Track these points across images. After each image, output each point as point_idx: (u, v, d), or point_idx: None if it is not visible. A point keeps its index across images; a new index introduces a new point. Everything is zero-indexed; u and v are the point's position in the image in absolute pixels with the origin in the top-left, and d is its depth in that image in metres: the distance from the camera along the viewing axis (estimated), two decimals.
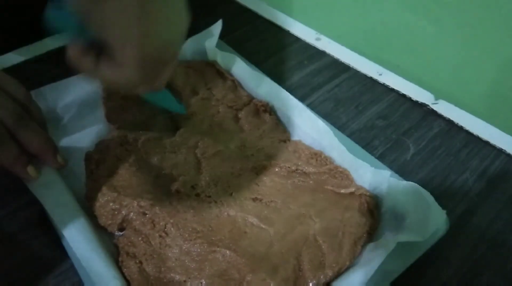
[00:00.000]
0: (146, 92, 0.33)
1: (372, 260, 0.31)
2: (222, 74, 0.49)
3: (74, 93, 0.44)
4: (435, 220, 0.32)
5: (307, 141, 0.42)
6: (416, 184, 0.34)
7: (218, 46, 0.51)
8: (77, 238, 0.33)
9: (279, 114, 0.45)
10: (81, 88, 0.44)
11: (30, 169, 0.36)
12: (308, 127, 0.42)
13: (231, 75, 0.49)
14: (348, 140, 0.44)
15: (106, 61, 0.25)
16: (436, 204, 0.33)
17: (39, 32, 0.57)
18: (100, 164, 0.39)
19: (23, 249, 0.36)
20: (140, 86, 0.28)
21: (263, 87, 0.46)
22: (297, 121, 0.43)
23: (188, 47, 0.51)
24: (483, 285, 0.35)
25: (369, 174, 0.37)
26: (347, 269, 0.33)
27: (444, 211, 0.33)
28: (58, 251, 0.36)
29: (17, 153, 0.35)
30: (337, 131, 0.45)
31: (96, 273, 0.31)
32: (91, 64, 0.26)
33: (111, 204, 0.36)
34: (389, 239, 0.31)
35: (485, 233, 0.38)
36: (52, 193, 0.36)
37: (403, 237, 0.31)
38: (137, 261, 0.33)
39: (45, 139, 0.37)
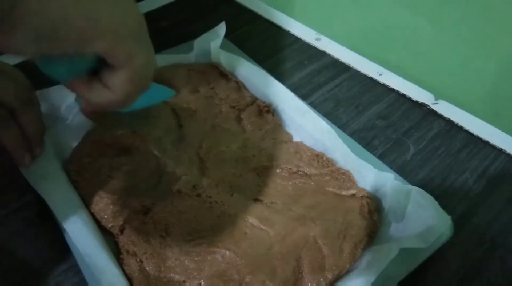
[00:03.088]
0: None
1: (374, 265, 0.31)
2: (225, 75, 0.49)
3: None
4: (440, 225, 0.32)
5: (309, 142, 0.42)
6: (420, 189, 0.34)
7: (222, 45, 0.51)
8: (80, 234, 0.33)
9: (283, 115, 0.45)
10: None
11: (27, 156, 0.37)
12: (311, 128, 0.42)
13: (235, 76, 0.49)
14: (350, 139, 0.44)
15: (97, 86, 0.28)
16: (440, 209, 0.33)
17: None
18: (83, 171, 0.39)
19: (23, 249, 0.36)
20: (123, 105, 0.30)
21: (268, 87, 0.46)
22: (301, 122, 0.43)
23: (193, 50, 0.51)
24: (483, 285, 0.35)
25: (372, 176, 0.37)
26: (348, 272, 0.33)
27: (449, 217, 0.33)
28: (58, 251, 0.36)
29: (20, 138, 0.36)
30: (339, 130, 0.44)
31: (100, 270, 0.31)
32: (85, 90, 0.28)
33: (111, 206, 0.36)
34: (392, 245, 0.31)
35: (485, 233, 0.38)
36: (55, 190, 0.36)
37: (406, 243, 0.31)
38: (138, 260, 0.33)
39: (41, 128, 0.38)
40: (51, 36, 0.22)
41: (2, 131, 0.35)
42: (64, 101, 0.43)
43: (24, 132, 0.37)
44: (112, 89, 0.27)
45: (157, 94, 0.40)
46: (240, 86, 0.48)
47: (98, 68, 0.27)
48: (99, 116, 0.42)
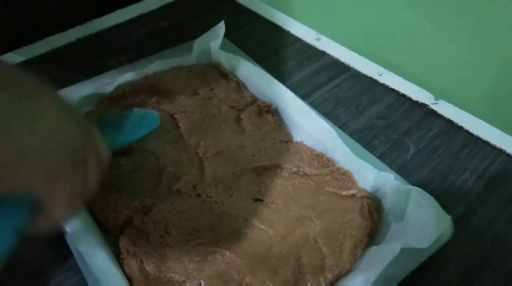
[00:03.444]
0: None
1: (374, 265, 0.31)
2: (226, 75, 0.49)
3: (75, 97, 0.44)
4: (440, 225, 0.32)
5: (310, 142, 0.42)
6: (420, 189, 0.34)
7: (223, 45, 0.51)
8: (80, 234, 0.33)
9: (283, 115, 0.45)
10: (82, 92, 0.44)
11: None
12: (312, 128, 0.42)
13: (235, 76, 0.49)
14: (350, 139, 0.44)
15: (40, 220, 0.25)
16: (440, 209, 0.33)
17: (40, 31, 0.58)
18: None
19: (23, 249, 0.36)
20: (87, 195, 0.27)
21: (268, 87, 0.46)
22: (301, 122, 0.43)
23: (193, 51, 0.51)
24: (483, 284, 0.35)
25: (372, 176, 0.37)
26: (348, 272, 0.33)
27: (449, 217, 0.33)
28: (58, 251, 0.36)
29: None
30: (339, 130, 0.44)
31: (100, 270, 0.31)
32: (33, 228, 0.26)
33: (111, 206, 0.36)
34: (392, 245, 0.31)
35: (485, 233, 0.38)
36: None
37: (406, 243, 0.31)
38: (138, 260, 0.33)
39: None
40: None
41: None
42: None
43: None
44: (54, 217, 0.25)
45: (141, 128, 0.39)
46: (240, 86, 0.48)
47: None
48: None
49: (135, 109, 0.40)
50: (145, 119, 0.39)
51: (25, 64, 0.54)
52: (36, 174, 0.22)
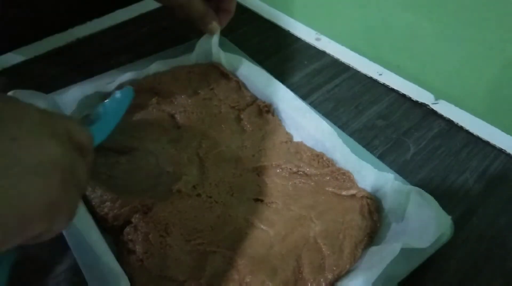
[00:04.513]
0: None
1: (374, 265, 0.31)
2: (226, 75, 0.49)
3: (76, 97, 0.44)
4: (440, 225, 0.32)
5: (310, 142, 0.42)
6: (420, 189, 0.34)
7: (222, 45, 0.51)
8: (81, 233, 0.33)
9: (283, 115, 0.45)
10: (82, 92, 0.44)
11: (215, 24, 0.42)
12: (312, 128, 0.42)
13: (235, 76, 0.49)
14: (350, 139, 0.44)
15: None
16: (441, 209, 0.33)
17: (40, 31, 0.58)
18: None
19: (23, 249, 0.36)
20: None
21: (268, 87, 0.46)
22: (301, 122, 0.43)
23: (194, 51, 0.51)
24: (483, 284, 0.35)
25: (372, 176, 0.37)
26: (348, 272, 0.33)
27: (449, 217, 0.33)
28: (58, 251, 0.36)
29: (207, 6, 0.41)
30: (339, 130, 0.44)
31: (100, 270, 0.31)
32: None
33: (111, 206, 0.36)
34: (392, 245, 0.31)
35: (485, 233, 0.38)
36: None
37: (407, 244, 0.31)
38: (138, 259, 0.33)
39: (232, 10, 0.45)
40: None
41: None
42: (68, 105, 0.43)
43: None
44: (54, 233, 0.26)
45: (118, 110, 0.39)
46: (240, 86, 0.48)
47: None
48: None
49: (106, 101, 0.40)
50: (119, 101, 0.39)
51: (25, 64, 0.54)
52: (31, 222, 0.21)
